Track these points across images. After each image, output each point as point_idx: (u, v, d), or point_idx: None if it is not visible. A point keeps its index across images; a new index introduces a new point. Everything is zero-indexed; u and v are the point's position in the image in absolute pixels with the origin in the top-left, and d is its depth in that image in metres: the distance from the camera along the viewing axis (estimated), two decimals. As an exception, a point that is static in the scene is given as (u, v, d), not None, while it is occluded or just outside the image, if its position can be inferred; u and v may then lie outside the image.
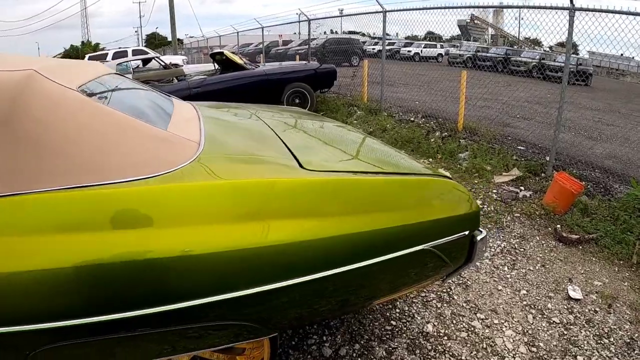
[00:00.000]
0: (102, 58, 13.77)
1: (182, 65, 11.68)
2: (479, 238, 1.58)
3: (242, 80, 6.20)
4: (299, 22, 9.74)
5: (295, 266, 1.18)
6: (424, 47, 12.93)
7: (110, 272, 1.03)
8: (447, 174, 1.72)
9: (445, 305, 2.19)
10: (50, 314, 1.01)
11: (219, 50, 7.46)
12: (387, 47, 11.26)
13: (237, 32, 14.45)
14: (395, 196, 1.43)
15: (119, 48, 17.52)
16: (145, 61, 9.45)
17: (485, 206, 3.41)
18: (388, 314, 2.08)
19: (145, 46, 37.05)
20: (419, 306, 2.17)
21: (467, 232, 1.53)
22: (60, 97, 1.22)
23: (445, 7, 5.53)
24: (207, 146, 1.37)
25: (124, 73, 8.57)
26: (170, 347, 1.18)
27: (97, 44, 46.97)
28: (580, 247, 2.80)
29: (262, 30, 12.37)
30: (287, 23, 11.91)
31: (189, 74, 6.76)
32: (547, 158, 4.10)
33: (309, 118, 2.60)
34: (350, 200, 1.33)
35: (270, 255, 1.14)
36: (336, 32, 11.73)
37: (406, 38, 12.80)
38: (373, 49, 12.05)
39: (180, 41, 30.17)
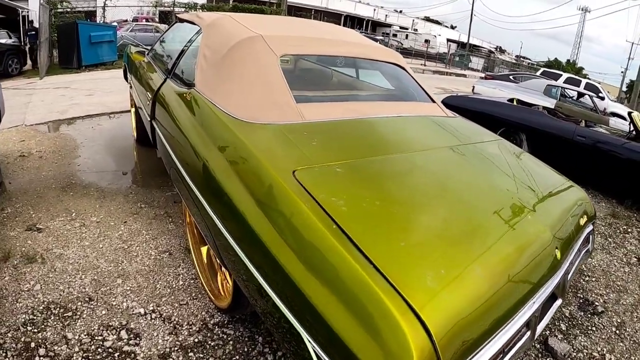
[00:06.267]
0: (556, 77, 13.68)
1: (625, 120, 10.62)
2: None
3: (630, 154, 4.46)
4: None
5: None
6: None
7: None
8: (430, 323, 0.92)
9: None
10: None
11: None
12: None
13: None
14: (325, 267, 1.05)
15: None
16: (581, 96, 9.68)
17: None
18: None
19: (625, 90, 36.19)
20: None
21: None
22: (258, 55, 1.90)
23: None
24: (304, 127, 1.66)
25: (551, 98, 8.93)
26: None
27: (581, 68, 49.18)
28: None
29: None
30: None
31: (608, 128, 5.63)
32: None
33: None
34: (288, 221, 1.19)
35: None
36: None
37: None
38: None
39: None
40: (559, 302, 1.58)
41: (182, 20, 3.00)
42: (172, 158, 1.95)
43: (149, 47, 3.52)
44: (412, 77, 2.52)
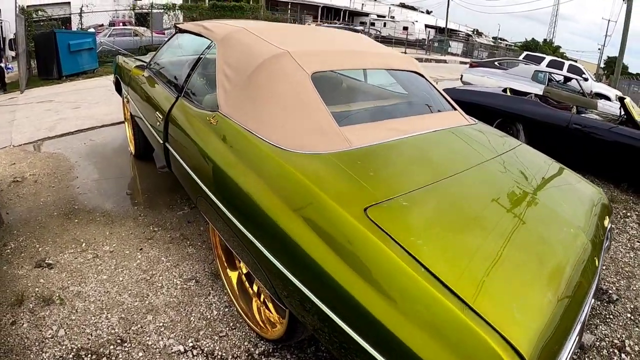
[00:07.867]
0: (538, 61, 13.51)
1: (609, 101, 10.55)
2: None
3: (621, 138, 4.50)
4: None
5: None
6: None
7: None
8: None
9: None
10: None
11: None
12: None
13: None
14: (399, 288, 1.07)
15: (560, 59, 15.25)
16: (567, 80, 9.70)
17: None
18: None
19: (603, 67, 35.74)
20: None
21: None
22: (289, 74, 1.76)
23: None
24: (354, 155, 1.56)
25: (538, 83, 8.87)
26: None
27: (558, 47, 48.93)
28: None
29: None
30: None
31: (599, 112, 5.53)
32: None
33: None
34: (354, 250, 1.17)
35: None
36: None
37: None
38: None
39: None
40: (592, 301, 1.65)
41: (182, 31, 2.81)
42: (199, 187, 1.82)
43: (145, 60, 3.31)
44: (431, 84, 2.51)
